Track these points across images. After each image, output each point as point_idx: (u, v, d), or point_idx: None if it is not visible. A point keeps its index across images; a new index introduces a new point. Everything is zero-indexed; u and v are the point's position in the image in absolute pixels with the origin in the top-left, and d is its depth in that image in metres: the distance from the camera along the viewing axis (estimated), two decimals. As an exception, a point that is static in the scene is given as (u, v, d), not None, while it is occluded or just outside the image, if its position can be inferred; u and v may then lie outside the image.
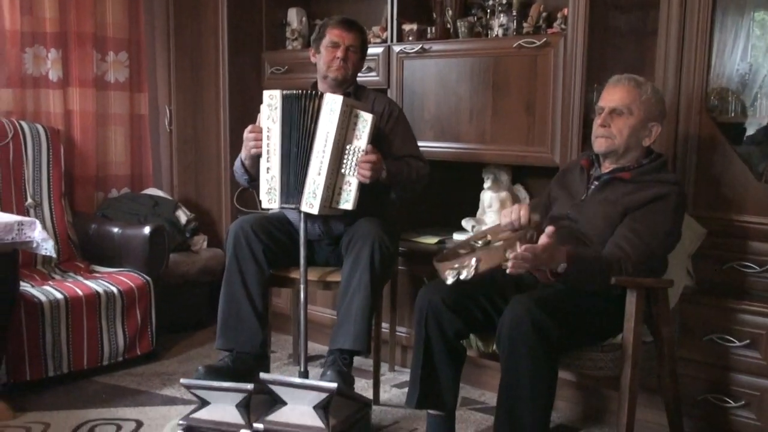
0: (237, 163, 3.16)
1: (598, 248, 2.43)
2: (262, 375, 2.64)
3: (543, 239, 2.24)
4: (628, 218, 2.44)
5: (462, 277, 2.30)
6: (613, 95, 2.52)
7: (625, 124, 2.49)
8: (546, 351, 2.28)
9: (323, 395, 2.53)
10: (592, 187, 2.58)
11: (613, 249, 2.39)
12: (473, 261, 2.29)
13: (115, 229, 3.76)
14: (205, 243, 4.22)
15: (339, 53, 3.05)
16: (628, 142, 2.50)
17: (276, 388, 2.62)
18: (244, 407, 2.65)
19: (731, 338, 2.69)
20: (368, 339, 2.92)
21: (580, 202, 2.58)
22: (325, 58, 3.08)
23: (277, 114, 2.90)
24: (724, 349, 2.70)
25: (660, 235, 2.42)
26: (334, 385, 2.52)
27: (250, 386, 2.62)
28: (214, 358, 3.43)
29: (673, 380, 2.57)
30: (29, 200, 3.71)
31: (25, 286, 3.27)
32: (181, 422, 2.70)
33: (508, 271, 2.22)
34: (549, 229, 2.24)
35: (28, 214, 3.61)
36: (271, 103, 2.91)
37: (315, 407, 2.57)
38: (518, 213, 2.53)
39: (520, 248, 2.19)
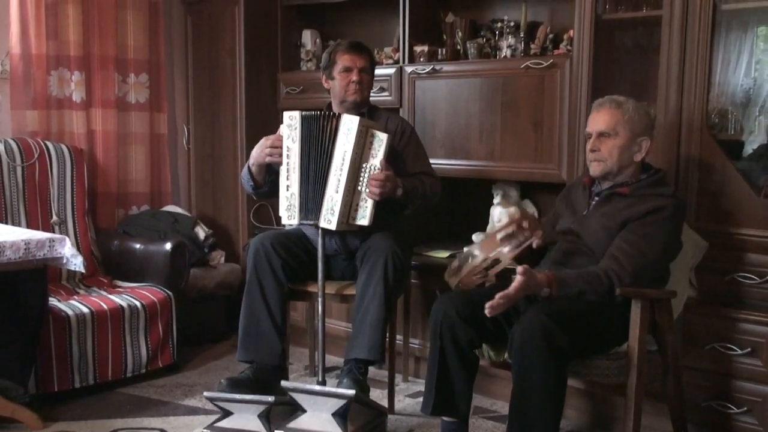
0: (244, 171, 3.24)
1: (597, 260, 2.55)
2: (284, 383, 2.74)
3: (516, 282, 2.38)
4: (625, 230, 2.54)
5: (461, 274, 2.50)
6: (597, 120, 2.64)
7: (614, 146, 2.60)
8: (556, 360, 2.37)
9: (341, 402, 2.63)
10: (593, 202, 2.70)
11: (607, 261, 2.50)
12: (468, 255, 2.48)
13: (137, 246, 3.88)
14: (223, 258, 4.33)
15: (354, 77, 3.15)
16: (620, 161, 2.61)
17: (296, 396, 2.72)
18: (265, 417, 2.75)
19: (733, 347, 2.77)
20: (383, 349, 3.01)
21: (582, 218, 2.69)
22: (340, 84, 3.18)
23: (297, 134, 3.01)
24: (726, 357, 2.79)
25: (656, 246, 2.51)
26: (352, 392, 2.62)
27: (271, 398, 2.72)
28: (233, 370, 3.54)
29: (678, 387, 2.66)
30: (54, 218, 3.82)
31: (53, 301, 3.38)
32: (204, 430, 2.80)
33: (487, 313, 2.40)
34: (520, 269, 2.38)
35: (53, 231, 3.72)
36: (291, 123, 3.03)
37: (334, 414, 2.67)
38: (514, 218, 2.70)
39: (495, 299, 2.37)
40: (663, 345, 2.60)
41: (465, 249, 2.74)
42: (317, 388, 2.76)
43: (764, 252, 2.76)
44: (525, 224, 2.69)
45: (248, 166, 3.20)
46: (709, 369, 2.83)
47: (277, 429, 2.69)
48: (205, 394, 2.85)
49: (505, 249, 2.63)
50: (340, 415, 2.66)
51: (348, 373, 2.98)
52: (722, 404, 2.81)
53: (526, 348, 2.38)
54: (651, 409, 2.81)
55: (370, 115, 3.23)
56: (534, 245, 2.70)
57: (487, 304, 2.38)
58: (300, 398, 2.72)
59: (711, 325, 2.83)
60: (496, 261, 2.61)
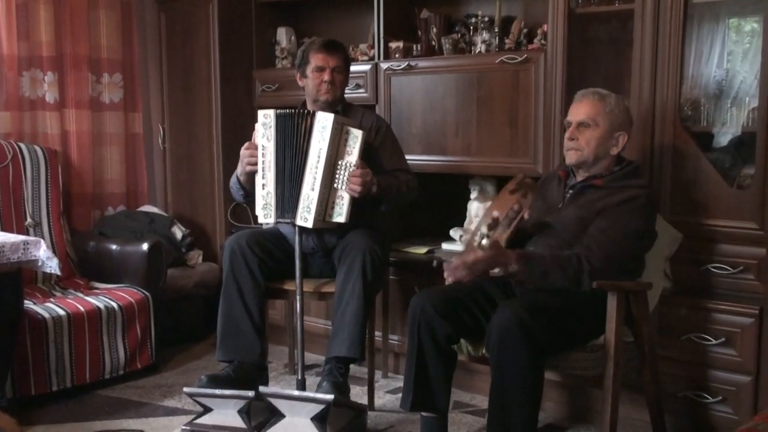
0: (233, 180, 3.25)
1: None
2: (262, 389, 2.74)
3: (478, 252, 2.44)
4: (597, 219, 2.57)
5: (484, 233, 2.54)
6: (579, 109, 2.67)
7: (592, 136, 2.63)
8: (533, 353, 2.39)
9: (320, 407, 2.64)
10: (568, 195, 2.72)
11: (578, 246, 2.53)
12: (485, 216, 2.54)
13: (114, 246, 3.85)
14: (201, 258, 4.31)
15: (326, 77, 3.14)
16: (596, 153, 2.64)
17: (275, 401, 2.73)
18: (246, 413, 2.76)
19: (708, 337, 2.81)
20: (363, 346, 3.02)
21: (557, 210, 2.71)
22: (313, 83, 3.17)
23: (272, 132, 3.01)
24: (701, 347, 2.82)
25: (628, 234, 2.53)
26: (330, 397, 2.64)
27: (251, 393, 2.72)
28: (213, 370, 3.50)
29: (654, 378, 2.69)
30: (29, 220, 3.79)
31: (28, 304, 3.35)
32: (185, 428, 2.80)
33: (447, 280, 2.47)
34: (488, 242, 2.45)
35: (27, 234, 3.69)
36: (266, 121, 3.02)
37: (313, 419, 2.67)
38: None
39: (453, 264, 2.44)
40: (639, 336, 2.62)
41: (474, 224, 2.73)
42: (296, 393, 2.77)
43: (737, 243, 2.79)
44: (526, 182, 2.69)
45: (236, 176, 3.20)
46: (684, 359, 2.86)
47: (256, 432, 2.70)
48: (185, 389, 2.85)
49: (499, 229, 2.61)
50: (319, 420, 2.68)
51: (327, 375, 2.98)
52: (698, 394, 2.84)
53: (503, 342, 2.40)
54: (628, 399, 2.83)
55: (344, 112, 3.23)
56: (526, 215, 2.69)
57: (445, 266, 2.45)
58: (279, 403, 2.73)
59: (686, 315, 2.86)
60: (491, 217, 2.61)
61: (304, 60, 3.21)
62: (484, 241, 2.54)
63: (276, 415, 2.77)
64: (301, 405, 2.70)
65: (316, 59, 3.16)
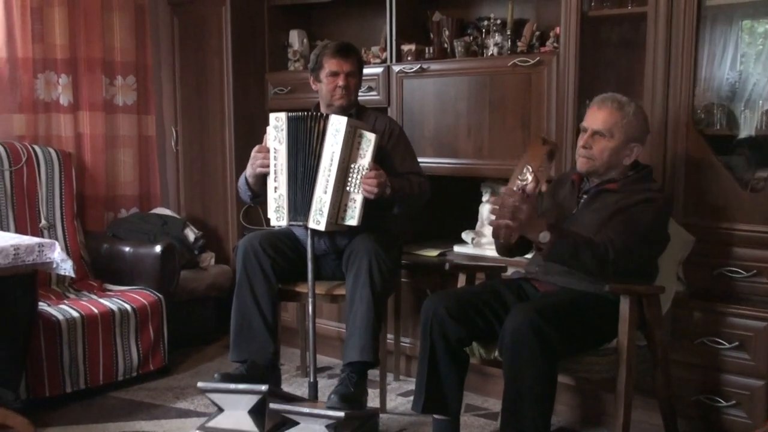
0: (241, 180, 3.26)
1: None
2: (272, 405, 2.75)
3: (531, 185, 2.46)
4: (614, 218, 2.56)
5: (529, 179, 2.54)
6: (596, 117, 2.64)
7: (606, 147, 2.62)
8: (547, 356, 2.39)
9: (331, 420, 2.65)
10: (582, 200, 2.71)
11: (599, 235, 2.51)
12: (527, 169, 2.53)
13: (127, 249, 3.87)
14: (213, 260, 4.33)
15: (340, 81, 3.15)
16: (608, 163, 2.63)
17: (287, 414, 2.74)
18: (257, 413, 2.76)
19: (721, 341, 2.79)
20: (375, 350, 3.01)
21: (572, 216, 2.71)
22: (327, 88, 3.18)
23: (284, 135, 3.02)
24: (714, 351, 2.81)
25: (640, 234, 2.52)
26: (341, 414, 2.65)
27: (264, 387, 2.73)
28: (226, 371, 3.54)
29: (667, 382, 2.68)
30: (43, 222, 3.81)
31: (42, 305, 3.37)
32: (197, 430, 2.81)
33: (489, 222, 2.45)
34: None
35: (42, 235, 3.71)
36: (278, 125, 3.03)
37: (327, 426, 2.69)
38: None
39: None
40: (652, 340, 2.61)
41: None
42: (306, 410, 2.76)
43: (751, 246, 2.79)
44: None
45: (245, 177, 3.21)
46: (697, 363, 2.85)
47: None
48: (199, 384, 2.87)
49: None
50: (333, 428, 2.68)
51: (339, 386, 2.98)
52: (711, 398, 2.83)
53: (516, 345, 2.39)
54: (641, 403, 2.83)
55: (358, 115, 3.24)
56: (543, 188, 2.68)
57: (492, 199, 2.45)
58: (291, 415, 2.74)
59: (699, 319, 2.85)
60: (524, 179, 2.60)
61: (317, 64, 3.21)
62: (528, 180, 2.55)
63: (289, 422, 2.78)
64: (313, 418, 2.71)
65: (330, 64, 3.16)
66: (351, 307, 3.04)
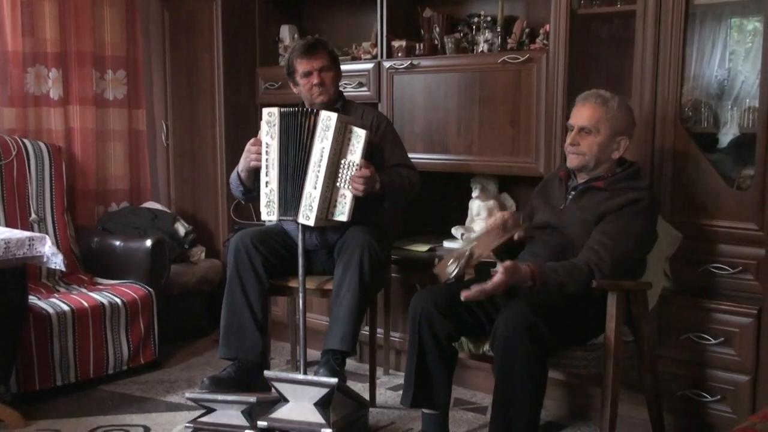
0: (233, 175, 3.27)
1: (576, 251, 2.58)
2: (266, 373, 2.77)
3: (495, 277, 2.41)
4: (602, 222, 2.58)
5: (460, 266, 2.53)
6: (581, 114, 2.67)
7: (594, 142, 2.64)
8: (538, 352, 2.41)
9: (324, 391, 2.66)
10: (570, 196, 2.74)
11: (587, 252, 2.54)
12: (467, 250, 2.52)
13: (117, 242, 3.87)
14: (203, 254, 4.33)
15: (315, 80, 3.17)
16: (597, 158, 2.66)
17: (278, 385, 2.75)
18: (248, 413, 2.78)
19: (707, 336, 2.82)
20: (354, 340, 3.05)
21: (560, 211, 2.73)
22: (304, 89, 3.20)
23: (276, 130, 3.03)
24: (700, 346, 2.84)
25: (632, 237, 2.56)
26: (334, 380, 2.67)
27: (253, 399, 2.75)
28: (215, 366, 3.56)
29: (654, 377, 2.71)
30: (33, 216, 3.81)
31: (33, 299, 3.38)
32: (188, 425, 2.83)
33: (462, 298, 2.44)
34: (502, 267, 2.41)
35: (32, 230, 3.71)
36: (270, 120, 3.04)
37: (316, 404, 2.70)
38: (503, 216, 2.71)
39: (472, 289, 2.42)
40: (639, 336, 2.64)
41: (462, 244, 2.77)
42: (299, 377, 2.79)
43: (737, 243, 2.80)
44: (510, 223, 2.71)
45: (237, 172, 3.22)
46: (683, 358, 2.88)
47: (260, 420, 2.72)
48: (187, 395, 2.88)
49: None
50: (322, 405, 2.69)
51: (325, 365, 3.01)
52: (697, 393, 2.86)
53: (509, 340, 2.41)
54: (627, 398, 2.85)
55: (344, 109, 3.25)
56: (515, 237, 2.72)
57: (463, 292, 2.42)
58: (282, 388, 2.75)
59: (685, 315, 2.88)
60: (471, 254, 2.64)
61: (291, 68, 3.23)
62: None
63: (280, 401, 2.79)
64: (305, 390, 2.71)
65: (301, 65, 3.18)
66: (337, 295, 3.06)
